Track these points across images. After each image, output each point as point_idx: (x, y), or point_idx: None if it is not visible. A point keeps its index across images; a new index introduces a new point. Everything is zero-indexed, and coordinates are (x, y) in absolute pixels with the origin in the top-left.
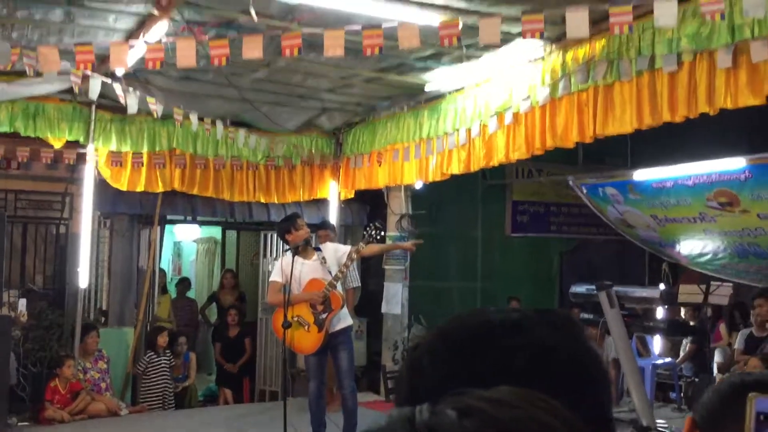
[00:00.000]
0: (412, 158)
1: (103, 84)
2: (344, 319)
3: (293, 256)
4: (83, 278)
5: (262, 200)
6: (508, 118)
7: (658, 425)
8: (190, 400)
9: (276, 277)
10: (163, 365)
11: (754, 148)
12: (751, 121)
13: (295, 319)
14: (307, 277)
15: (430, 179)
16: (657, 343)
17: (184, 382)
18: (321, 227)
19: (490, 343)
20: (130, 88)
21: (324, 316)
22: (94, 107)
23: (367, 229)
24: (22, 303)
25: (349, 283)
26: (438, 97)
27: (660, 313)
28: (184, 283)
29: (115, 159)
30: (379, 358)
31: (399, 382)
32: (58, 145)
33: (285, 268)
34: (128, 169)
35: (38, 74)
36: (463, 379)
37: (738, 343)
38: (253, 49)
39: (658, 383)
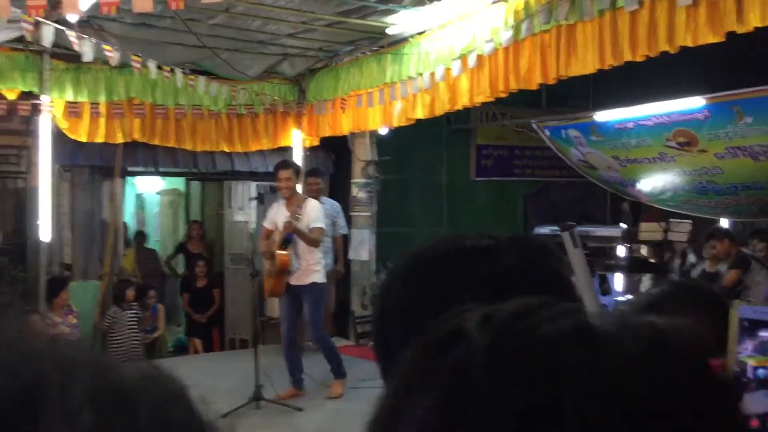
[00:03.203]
0: (376, 104)
1: (57, 31)
2: (309, 275)
3: (280, 204)
4: (45, 232)
5: (225, 149)
6: (471, 60)
7: None
8: (160, 351)
9: (265, 223)
10: (129, 318)
11: (713, 89)
12: (710, 60)
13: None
14: (280, 226)
15: (395, 125)
16: (618, 280)
17: (153, 334)
18: (309, 174)
19: (462, 267)
20: (85, 36)
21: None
22: (47, 56)
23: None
24: None
25: (337, 230)
26: (401, 41)
27: (621, 251)
28: (140, 236)
29: (72, 110)
30: (348, 305)
31: (376, 302)
32: (11, 96)
33: (270, 215)
34: (86, 119)
35: None
36: (432, 303)
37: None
38: None
39: None
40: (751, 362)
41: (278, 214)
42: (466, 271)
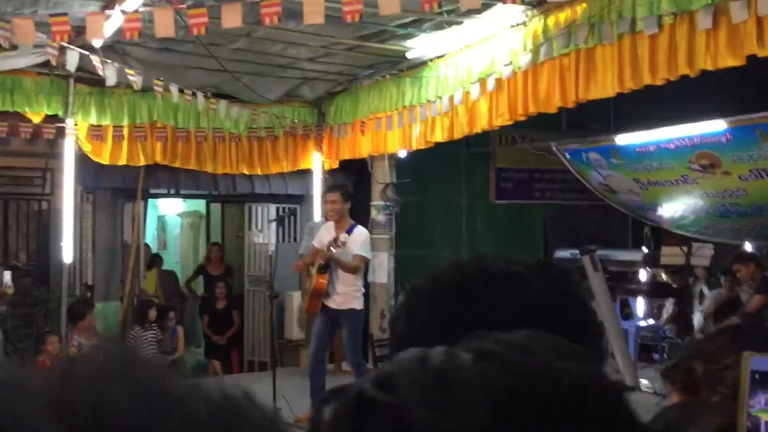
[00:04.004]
0: (395, 127)
1: (81, 56)
2: (348, 300)
3: (329, 226)
4: (67, 254)
5: (246, 172)
6: (490, 84)
7: (641, 385)
8: None
9: (314, 241)
10: (149, 339)
11: (734, 111)
12: (732, 83)
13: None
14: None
15: (414, 147)
16: (640, 305)
17: (173, 356)
18: (327, 190)
19: (490, 292)
20: (108, 61)
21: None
22: (72, 80)
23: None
24: (7, 276)
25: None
26: (420, 64)
27: (643, 275)
28: (156, 259)
29: (96, 133)
30: (367, 327)
31: (394, 325)
32: (36, 119)
33: (319, 235)
34: (109, 142)
35: (13, 47)
36: (460, 326)
37: (710, 304)
38: (232, 17)
39: (641, 345)
40: (765, 417)
41: (325, 237)
42: (494, 297)
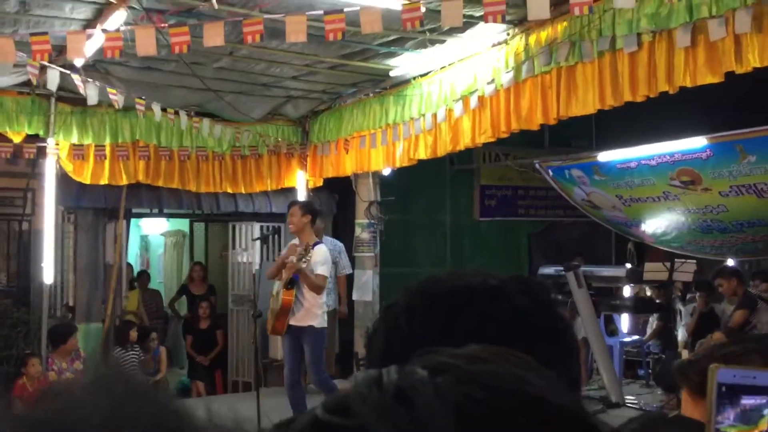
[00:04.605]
0: (379, 145)
1: (62, 75)
2: (309, 317)
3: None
4: (48, 274)
5: (229, 191)
6: (473, 101)
7: (626, 401)
8: None
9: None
10: (131, 360)
11: (714, 128)
12: (711, 100)
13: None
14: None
15: (398, 165)
16: (624, 321)
17: (155, 377)
18: (289, 206)
19: (469, 306)
20: (90, 80)
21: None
22: (53, 100)
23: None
24: None
25: (340, 270)
26: (403, 82)
27: (627, 291)
28: (143, 276)
29: (77, 152)
30: (351, 346)
31: (371, 340)
32: (17, 139)
33: (286, 250)
34: (91, 162)
35: None
36: (439, 340)
37: (685, 317)
38: (214, 36)
39: (626, 360)
40: None
41: (290, 252)
42: (476, 311)
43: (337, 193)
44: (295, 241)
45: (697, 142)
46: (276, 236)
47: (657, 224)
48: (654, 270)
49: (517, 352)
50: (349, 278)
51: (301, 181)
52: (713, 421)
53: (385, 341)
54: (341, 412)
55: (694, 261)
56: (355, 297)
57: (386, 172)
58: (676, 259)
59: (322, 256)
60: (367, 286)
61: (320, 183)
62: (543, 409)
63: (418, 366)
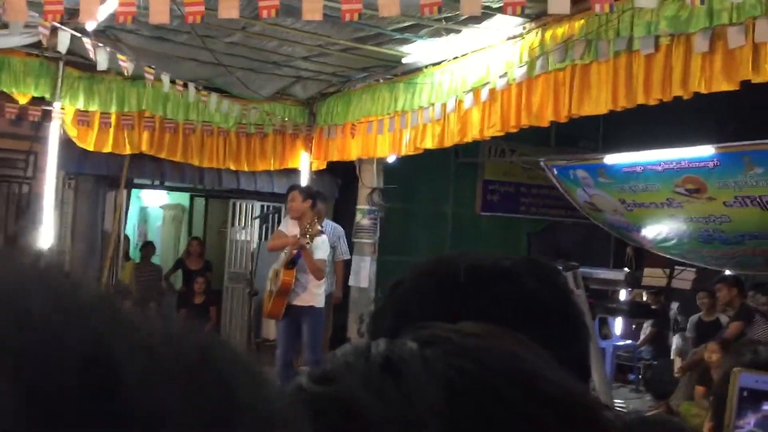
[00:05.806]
0: (385, 131)
1: (73, 39)
2: (310, 297)
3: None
4: (46, 238)
5: (232, 167)
6: (484, 94)
7: (615, 405)
8: None
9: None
10: None
11: (724, 137)
12: (723, 109)
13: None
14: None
15: (403, 153)
16: (618, 325)
17: None
18: (288, 190)
19: (481, 288)
20: (100, 45)
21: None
22: (62, 63)
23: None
24: None
25: (338, 255)
26: (414, 70)
27: (623, 295)
28: (148, 248)
29: (82, 118)
30: (345, 331)
31: (376, 320)
32: (23, 100)
33: (283, 226)
34: (95, 129)
35: (4, 25)
36: (451, 321)
37: (689, 330)
38: (229, 8)
39: (617, 365)
40: None
41: (290, 229)
42: (488, 292)
43: (340, 178)
44: (291, 222)
45: (705, 151)
46: (276, 215)
47: (658, 230)
48: (653, 275)
49: (509, 330)
50: (348, 264)
51: (304, 163)
52: (733, 425)
53: (394, 322)
54: (327, 381)
55: (694, 269)
56: (351, 282)
57: (391, 159)
58: (675, 267)
59: (321, 241)
60: (364, 273)
61: (324, 166)
62: (534, 385)
63: (409, 339)
